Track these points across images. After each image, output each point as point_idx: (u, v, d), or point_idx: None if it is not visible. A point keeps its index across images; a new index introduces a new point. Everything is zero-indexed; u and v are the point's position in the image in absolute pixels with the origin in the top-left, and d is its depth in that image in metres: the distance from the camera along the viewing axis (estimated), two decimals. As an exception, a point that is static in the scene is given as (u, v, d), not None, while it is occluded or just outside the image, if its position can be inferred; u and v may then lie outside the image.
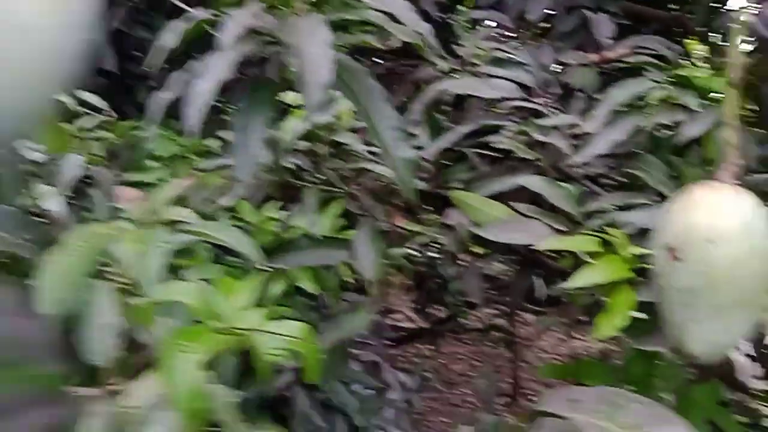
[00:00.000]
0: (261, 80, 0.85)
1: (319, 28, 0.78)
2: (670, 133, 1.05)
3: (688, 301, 0.36)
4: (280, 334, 0.55)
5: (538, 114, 1.12)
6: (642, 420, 0.37)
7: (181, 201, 1.23)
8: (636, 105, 1.00)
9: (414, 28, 0.84)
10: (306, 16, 0.81)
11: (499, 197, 1.13)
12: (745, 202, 0.35)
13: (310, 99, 0.75)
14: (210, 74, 0.78)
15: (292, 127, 1.25)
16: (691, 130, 0.97)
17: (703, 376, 1.68)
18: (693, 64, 1.43)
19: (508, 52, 1.16)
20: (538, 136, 1.04)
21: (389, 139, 0.86)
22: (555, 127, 1.04)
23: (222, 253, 1.57)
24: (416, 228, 1.22)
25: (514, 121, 1.11)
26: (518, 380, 4.04)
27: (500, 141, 1.06)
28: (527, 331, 4.75)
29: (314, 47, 0.76)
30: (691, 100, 0.96)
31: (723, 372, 1.70)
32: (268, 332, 0.54)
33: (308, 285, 1.46)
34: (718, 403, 1.52)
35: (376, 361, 2.72)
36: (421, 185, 1.24)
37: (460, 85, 1.15)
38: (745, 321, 0.36)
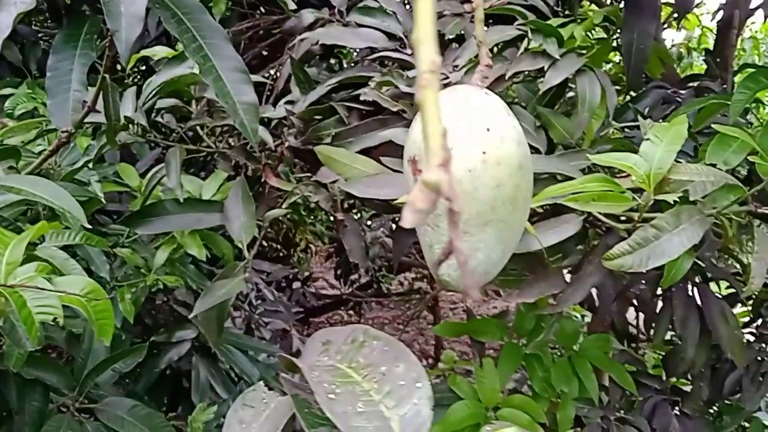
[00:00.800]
0: (77, 15, 0.76)
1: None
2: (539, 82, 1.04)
3: (432, 221, 0.32)
4: (57, 291, 0.48)
5: (409, 65, 1.08)
6: (378, 358, 0.35)
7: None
8: (500, 54, 0.98)
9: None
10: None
11: (375, 151, 1.09)
12: (492, 106, 0.31)
13: (124, 33, 0.67)
14: (9, 6, 0.69)
15: (152, 80, 1.16)
16: (554, 78, 0.95)
17: (593, 328, 1.74)
18: (572, 16, 1.42)
19: (378, 1, 1.11)
20: (404, 88, 1.00)
21: (230, 81, 0.80)
22: (422, 78, 0.99)
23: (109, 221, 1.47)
24: (289, 187, 1.17)
25: (384, 73, 1.06)
26: (440, 341, 4.11)
27: (365, 93, 1.01)
28: (449, 293, 4.83)
29: (128, -25, 0.68)
30: (552, 48, 0.94)
31: (612, 323, 1.76)
32: (42, 289, 0.48)
33: (195, 251, 1.39)
34: (608, 353, 1.57)
35: (285, 329, 2.68)
36: (292, 141, 1.19)
37: (327, 34, 1.09)
38: (494, 241, 0.33)
